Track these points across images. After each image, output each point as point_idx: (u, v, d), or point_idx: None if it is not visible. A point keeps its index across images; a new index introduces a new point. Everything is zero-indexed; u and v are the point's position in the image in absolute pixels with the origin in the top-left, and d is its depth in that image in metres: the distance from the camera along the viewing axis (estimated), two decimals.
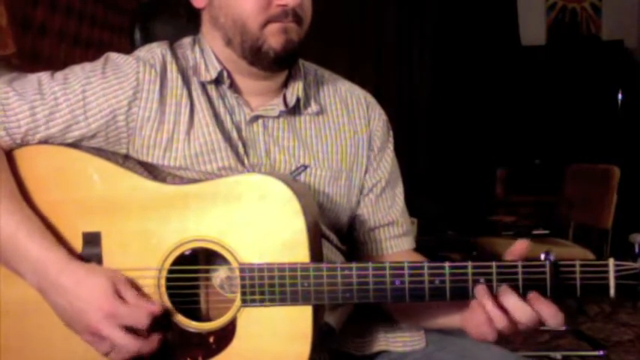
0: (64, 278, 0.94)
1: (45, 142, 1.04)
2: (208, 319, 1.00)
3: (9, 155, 1.02)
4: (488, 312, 0.91)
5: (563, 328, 3.38)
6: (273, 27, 1.04)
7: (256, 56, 1.06)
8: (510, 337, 0.95)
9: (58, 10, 2.77)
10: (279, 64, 1.08)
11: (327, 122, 1.16)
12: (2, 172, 1.00)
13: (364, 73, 4.78)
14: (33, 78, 1.05)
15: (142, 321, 0.93)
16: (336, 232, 1.15)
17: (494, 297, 0.91)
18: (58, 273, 0.95)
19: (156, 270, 0.98)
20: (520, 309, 0.90)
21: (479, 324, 0.93)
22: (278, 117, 1.12)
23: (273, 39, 1.04)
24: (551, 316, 0.90)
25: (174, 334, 0.98)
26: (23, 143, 1.03)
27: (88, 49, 3.00)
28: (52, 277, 0.95)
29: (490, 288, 0.91)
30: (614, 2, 5.17)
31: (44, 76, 1.06)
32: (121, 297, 0.94)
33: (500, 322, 0.91)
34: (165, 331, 0.97)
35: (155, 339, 0.95)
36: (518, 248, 0.94)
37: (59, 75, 1.06)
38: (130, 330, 0.93)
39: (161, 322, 0.96)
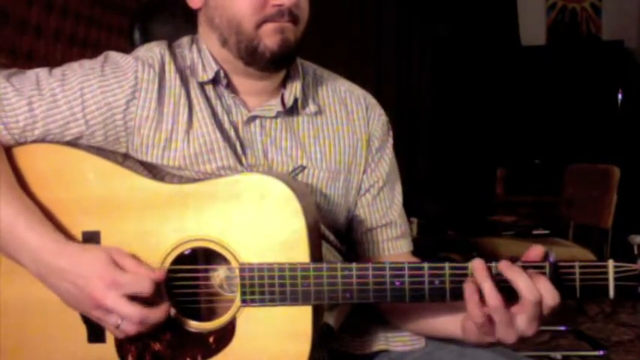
0: (62, 260, 0.94)
1: (43, 139, 1.03)
2: (208, 318, 1.00)
3: (8, 154, 1.02)
4: (486, 293, 0.89)
5: (563, 327, 3.39)
6: (269, 27, 1.04)
7: (252, 56, 1.06)
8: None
9: (54, 10, 2.77)
10: (276, 65, 1.07)
11: (326, 123, 1.16)
12: (0, 164, 0.99)
13: (364, 73, 4.77)
14: (31, 74, 1.05)
15: (144, 287, 0.93)
16: (335, 232, 1.15)
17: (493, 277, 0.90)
18: (55, 256, 0.95)
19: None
20: (528, 285, 0.88)
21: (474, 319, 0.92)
22: (275, 117, 1.11)
23: (269, 39, 1.04)
24: (550, 294, 0.89)
25: (174, 334, 0.98)
26: (21, 140, 1.03)
27: (84, 50, 3.00)
28: (50, 262, 0.95)
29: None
30: (614, 2, 5.17)
31: (42, 72, 1.06)
32: (120, 267, 0.94)
33: (498, 311, 0.89)
34: (163, 338, 0.97)
35: (163, 307, 0.95)
36: (533, 255, 0.93)
37: (57, 71, 1.06)
38: (135, 299, 0.93)
39: (165, 295, 0.96)
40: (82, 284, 0.93)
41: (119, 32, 3.29)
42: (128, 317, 0.92)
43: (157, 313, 0.94)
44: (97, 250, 0.96)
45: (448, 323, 1.04)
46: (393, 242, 1.18)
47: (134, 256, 0.97)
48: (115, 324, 0.93)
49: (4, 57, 2.34)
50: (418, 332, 1.14)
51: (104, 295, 0.92)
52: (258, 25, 1.03)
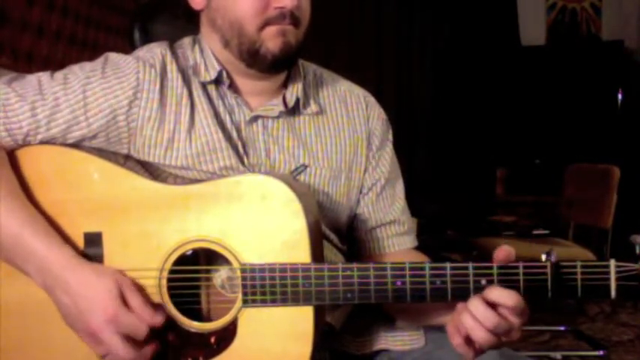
0: (68, 274, 0.94)
1: (46, 142, 1.04)
2: (209, 319, 1.00)
3: (10, 155, 1.02)
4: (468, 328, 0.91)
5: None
6: (271, 30, 1.04)
7: (253, 59, 1.06)
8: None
9: (54, 11, 2.77)
10: (277, 67, 1.08)
11: (327, 122, 1.16)
12: (3, 171, 0.99)
13: (364, 73, 4.77)
14: (32, 78, 1.05)
15: (141, 332, 0.93)
16: (336, 231, 1.15)
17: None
18: (61, 269, 0.95)
19: (157, 270, 0.98)
20: (473, 327, 0.90)
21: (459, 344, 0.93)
22: (277, 117, 1.12)
23: (271, 42, 1.04)
24: (509, 297, 0.89)
25: (176, 335, 0.98)
26: (24, 144, 1.03)
27: (84, 50, 3.00)
28: (56, 274, 0.95)
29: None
30: (614, 2, 5.16)
31: (44, 76, 1.06)
32: (125, 302, 0.94)
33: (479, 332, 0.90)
34: (164, 338, 0.97)
35: (149, 351, 0.96)
36: (501, 255, 0.93)
37: (59, 75, 1.06)
38: (128, 337, 0.93)
39: (161, 330, 0.96)
40: (83, 308, 0.93)
41: (117, 33, 3.29)
42: (117, 356, 0.93)
43: (142, 358, 0.95)
44: (107, 278, 0.95)
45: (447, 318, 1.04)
46: (397, 239, 1.19)
47: (140, 291, 0.97)
48: (102, 354, 0.95)
49: (5, 57, 2.34)
50: (420, 325, 1.14)
51: (101, 329, 0.92)
52: (260, 28, 1.03)
